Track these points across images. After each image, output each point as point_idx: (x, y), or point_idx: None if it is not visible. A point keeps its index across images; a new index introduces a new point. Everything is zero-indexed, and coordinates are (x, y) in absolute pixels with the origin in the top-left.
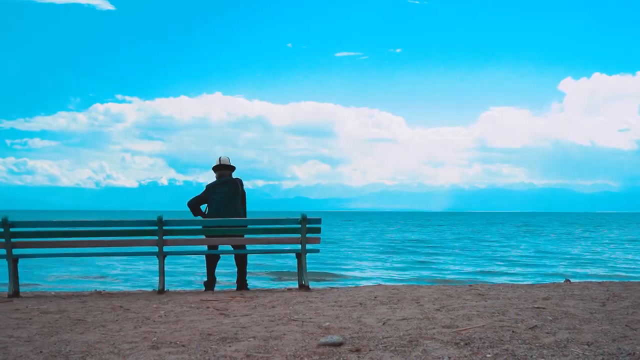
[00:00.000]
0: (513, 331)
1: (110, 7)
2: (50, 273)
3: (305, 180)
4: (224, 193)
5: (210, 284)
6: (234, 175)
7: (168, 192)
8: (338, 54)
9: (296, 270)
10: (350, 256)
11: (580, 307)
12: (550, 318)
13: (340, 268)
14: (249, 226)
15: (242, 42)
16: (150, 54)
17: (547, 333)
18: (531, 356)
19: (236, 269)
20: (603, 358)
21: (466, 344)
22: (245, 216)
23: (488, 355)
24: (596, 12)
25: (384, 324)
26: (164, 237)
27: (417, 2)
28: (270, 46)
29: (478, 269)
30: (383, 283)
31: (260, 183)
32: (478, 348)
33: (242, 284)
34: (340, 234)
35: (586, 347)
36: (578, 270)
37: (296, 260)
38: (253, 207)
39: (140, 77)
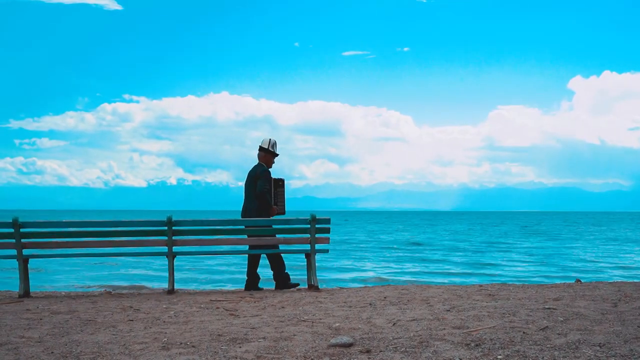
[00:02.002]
0: (524, 332)
1: (118, 7)
2: (60, 273)
3: (313, 179)
4: (245, 185)
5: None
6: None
7: (177, 191)
8: (345, 53)
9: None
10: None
11: (591, 307)
12: (562, 319)
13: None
14: (258, 226)
15: (249, 41)
16: (157, 53)
17: (559, 334)
18: (542, 357)
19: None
20: None
21: (477, 345)
22: (258, 213)
23: (499, 357)
24: (606, 10)
25: (394, 324)
26: (174, 237)
27: (424, 1)
28: (277, 45)
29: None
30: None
31: None
32: (489, 349)
33: (247, 284)
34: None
35: (598, 348)
36: (587, 270)
37: (305, 260)
38: None
39: (147, 76)
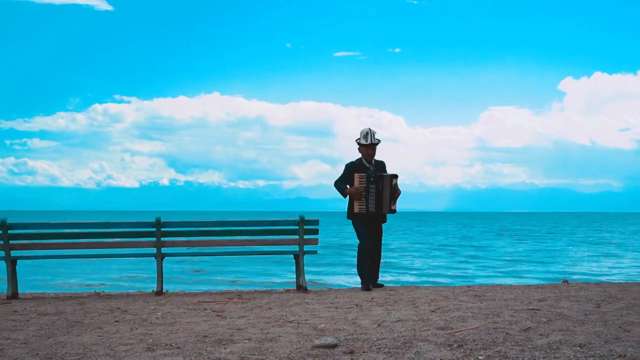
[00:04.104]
0: (507, 333)
1: (109, 8)
2: (48, 275)
3: (306, 180)
4: None
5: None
6: (380, 156)
7: (169, 192)
8: (337, 54)
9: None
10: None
11: (574, 308)
12: (545, 320)
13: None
14: (246, 227)
15: (240, 42)
16: (148, 54)
17: (540, 335)
18: (523, 358)
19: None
20: None
21: (459, 346)
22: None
23: (480, 357)
24: (597, 11)
25: (378, 325)
26: (162, 239)
27: (415, 2)
28: (268, 46)
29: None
30: None
31: (260, 183)
32: (471, 350)
33: (366, 281)
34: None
35: (578, 348)
36: (576, 270)
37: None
38: (254, 207)
39: (138, 77)
